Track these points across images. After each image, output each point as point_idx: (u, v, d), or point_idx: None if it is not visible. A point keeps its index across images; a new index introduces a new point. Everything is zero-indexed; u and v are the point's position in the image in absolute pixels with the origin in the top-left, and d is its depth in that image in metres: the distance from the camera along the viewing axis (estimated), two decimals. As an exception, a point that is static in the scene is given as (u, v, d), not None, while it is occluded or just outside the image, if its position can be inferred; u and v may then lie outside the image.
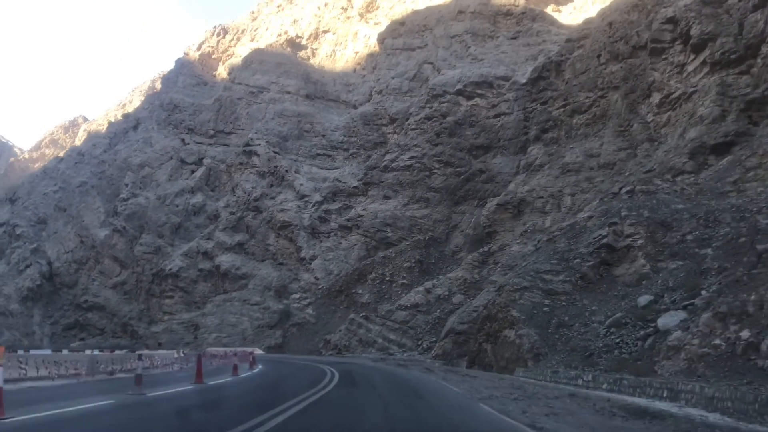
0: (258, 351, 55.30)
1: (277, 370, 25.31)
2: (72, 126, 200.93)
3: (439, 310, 44.85)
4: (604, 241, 23.81)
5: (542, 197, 55.03)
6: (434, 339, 40.58)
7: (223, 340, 67.39)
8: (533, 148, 66.62)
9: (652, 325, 17.26)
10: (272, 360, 37.78)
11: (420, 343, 42.38)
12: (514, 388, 15.24)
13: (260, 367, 27.51)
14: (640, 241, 22.67)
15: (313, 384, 15.11)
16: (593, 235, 24.88)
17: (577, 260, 24.08)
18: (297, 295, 69.60)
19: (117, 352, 27.46)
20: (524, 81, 74.00)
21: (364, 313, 52.06)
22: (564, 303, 22.39)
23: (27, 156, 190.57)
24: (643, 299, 19.26)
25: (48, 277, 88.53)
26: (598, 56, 63.97)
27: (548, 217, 52.84)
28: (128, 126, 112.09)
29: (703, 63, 47.22)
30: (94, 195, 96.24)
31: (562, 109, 66.93)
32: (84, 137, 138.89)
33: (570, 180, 54.78)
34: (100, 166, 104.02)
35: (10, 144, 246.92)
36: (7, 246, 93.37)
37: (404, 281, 62.33)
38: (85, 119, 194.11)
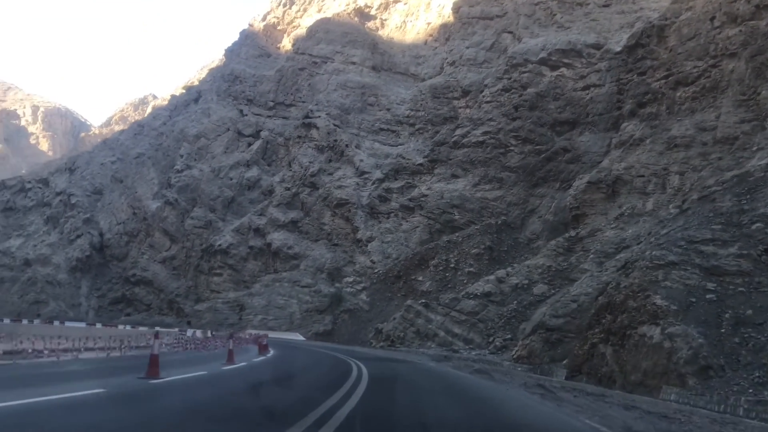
0: (299, 337, 49.14)
1: (270, 370, 16.72)
2: (141, 104, 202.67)
3: (515, 302, 37.08)
4: (804, 197, 15.84)
5: (643, 176, 46.16)
6: (509, 336, 32.99)
7: (268, 323, 61.70)
8: (628, 124, 57.50)
9: None
10: (304, 349, 30.68)
11: (491, 339, 34.69)
12: None
13: (262, 358, 20.38)
14: None
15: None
16: (781, 189, 16.88)
17: (757, 225, 16.10)
18: (350, 279, 63.01)
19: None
20: (619, 49, 64.66)
21: (423, 300, 44.85)
22: (741, 288, 14.61)
23: (97, 132, 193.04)
24: None
25: (98, 249, 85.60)
26: (712, 19, 54.49)
27: (650, 199, 44.04)
28: (190, 99, 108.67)
29: None
30: (149, 166, 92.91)
31: (663, 81, 57.54)
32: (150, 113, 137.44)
33: (678, 156, 45.76)
34: (159, 138, 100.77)
35: (88, 123, 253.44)
36: (62, 215, 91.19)
37: (471, 269, 54.73)
38: (155, 97, 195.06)
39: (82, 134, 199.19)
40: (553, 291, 35.27)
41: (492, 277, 46.00)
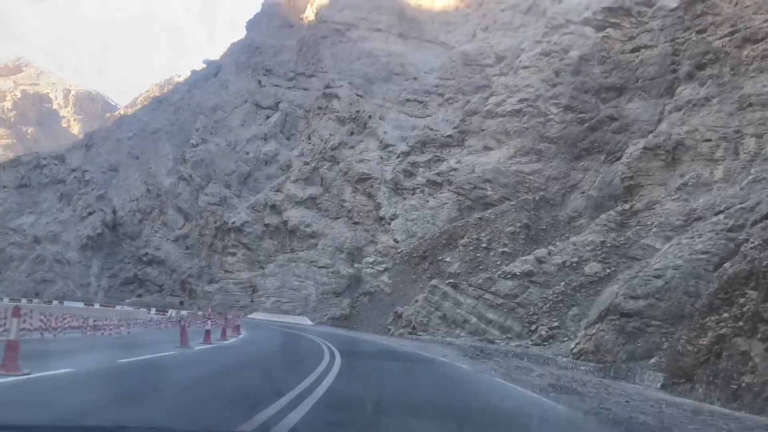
0: (306, 321, 44.11)
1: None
2: (167, 83, 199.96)
3: (563, 283, 31.27)
4: None
5: (710, 140, 39.62)
6: (556, 323, 27.29)
7: (282, 306, 56.85)
8: (684, 87, 50.66)
9: None
10: (292, 336, 24.37)
11: (534, 328, 28.90)
12: None
13: (173, 352, 13.07)
14: None
15: None
16: None
17: None
18: (371, 259, 57.61)
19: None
20: (675, 5, 57.66)
21: (451, 280, 39.26)
22: None
23: (122, 112, 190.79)
24: None
25: (111, 227, 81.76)
26: (785, -34, 47.67)
27: (719, 166, 37.56)
28: (209, 73, 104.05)
29: None
30: (164, 141, 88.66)
31: (727, 38, 50.58)
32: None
33: (753, 117, 39.13)
34: (176, 113, 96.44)
35: (118, 106, 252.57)
36: (75, 192, 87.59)
37: (505, 249, 48.88)
38: (180, 76, 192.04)
39: (108, 115, 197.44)
40: (608, 270, 29.47)
41: (530, 257, 40.10)
